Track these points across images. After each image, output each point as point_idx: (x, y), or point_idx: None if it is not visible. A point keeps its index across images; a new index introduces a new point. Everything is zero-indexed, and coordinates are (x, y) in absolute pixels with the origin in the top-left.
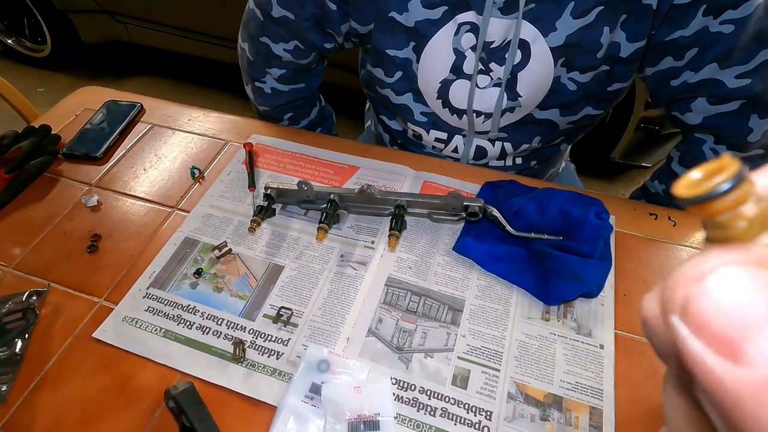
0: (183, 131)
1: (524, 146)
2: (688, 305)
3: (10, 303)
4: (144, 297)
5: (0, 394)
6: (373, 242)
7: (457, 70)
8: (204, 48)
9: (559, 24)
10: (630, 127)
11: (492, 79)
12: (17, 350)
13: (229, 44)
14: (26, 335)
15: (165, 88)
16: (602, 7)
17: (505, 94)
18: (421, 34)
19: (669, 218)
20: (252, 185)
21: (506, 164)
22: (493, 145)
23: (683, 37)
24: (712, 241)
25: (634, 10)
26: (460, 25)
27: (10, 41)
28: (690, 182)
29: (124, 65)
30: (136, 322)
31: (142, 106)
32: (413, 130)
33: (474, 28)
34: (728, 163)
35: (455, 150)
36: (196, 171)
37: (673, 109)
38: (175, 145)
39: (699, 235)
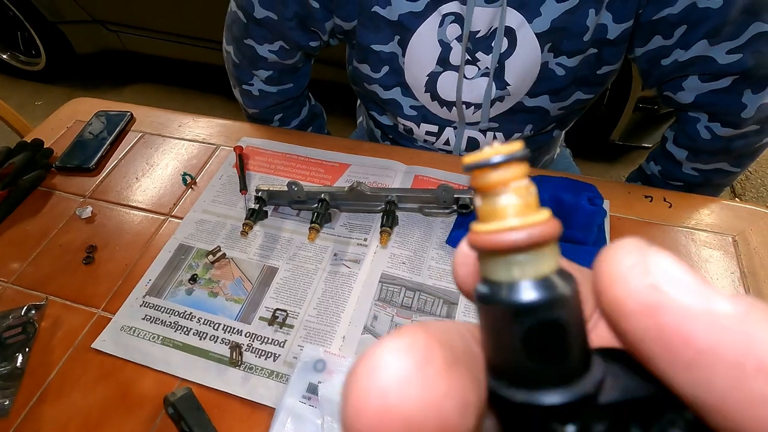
0: (174, 138)
1: (516, 135)
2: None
3: (9, 318)
4: (141, 305)
5: (3, 409)
6: (365, 239)
7: (443, 62)
8: (197, 52)
9: (543, 9)
10: (628, 108)
11: (479, 69)
12: (18, 364)
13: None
14: (27, 349)
15: (161, 94)
16: None
17: (493, 83)
18: (405, 28)
19: (664, 200)
20: (243, 188)
21: None
22: (485, 136)
23: (671, 15)
24: (478, 213)
25: None
26: (444, 16)
27: (5, 56)
28: (478, 153)
29: (120, 74)
30: (134, 331)
31: (132, 114)
32: (404, 125)
33: (458, 19)
34: (514, 145)
35: (447, 143)
36: (187, 177)
37: (665, 89)
38: (166, 153)
39: (696, 217)
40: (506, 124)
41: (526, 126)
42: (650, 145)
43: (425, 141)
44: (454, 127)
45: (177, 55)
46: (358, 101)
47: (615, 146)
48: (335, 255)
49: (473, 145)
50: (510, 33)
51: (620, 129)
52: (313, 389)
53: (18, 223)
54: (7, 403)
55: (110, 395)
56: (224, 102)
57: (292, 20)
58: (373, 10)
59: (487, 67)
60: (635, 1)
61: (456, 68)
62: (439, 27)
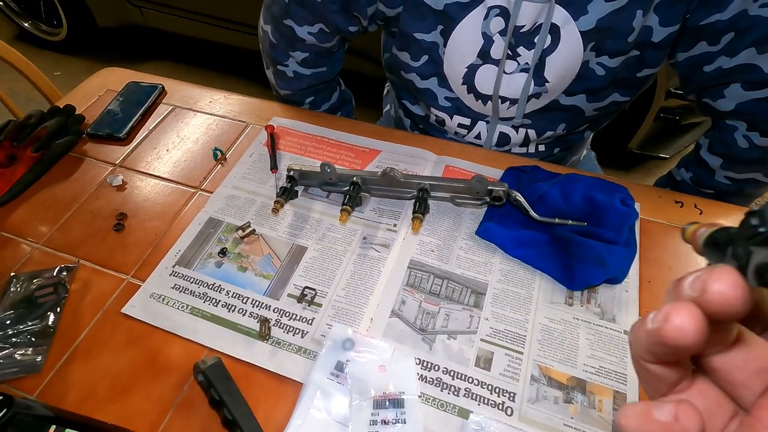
0: (204, 113)
1: (548, 133)
2: None
3: (41, 278)
4: (170, 275)
5: (36, 365)
6: (395, 225)
7: (484, 55)
8: (218, 33)
9: (590, 7)
10: (649, 116)
11: (519, 64)
12: (50, 323)
13: (243, 29)
14: (58, 309)
15: (179, 72)
16: None
17: (532, 79)
18: (450, 18)
19: (695, 206)
20: (274, 167)
21: (529, 151)
22: (517, 132)
23: (720, 21)
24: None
25: None
26: (490, 8)
27: (26, 24)
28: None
29: (138, 50)
30: (163, 299)
31: (163, 87)
32: (436, 116)
33: (503, 12)
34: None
35: (478, 136)
36: (218, 152)
37: (704, 96)
38: (196, 127)
39: (725, 224)
40: (540, 122)
41: (559, 125)
42: (668, 156)
43: (456, 133)
44: (487, 121)
45: (198, 34)
46: (386, 89)
47: (631, 154)
48: (364, 238)
49: (504, 140)
50: (554, 30)
51: (639, 137)
52: (340, 367)
53: (49, 186)
54: (39, 359)
55: (139, 359)
56: (244, 84)
57: (335, 3)
58: None
59: (527, 63)
60: (684, 5)
61: (496, 62)
62: (484, 19)
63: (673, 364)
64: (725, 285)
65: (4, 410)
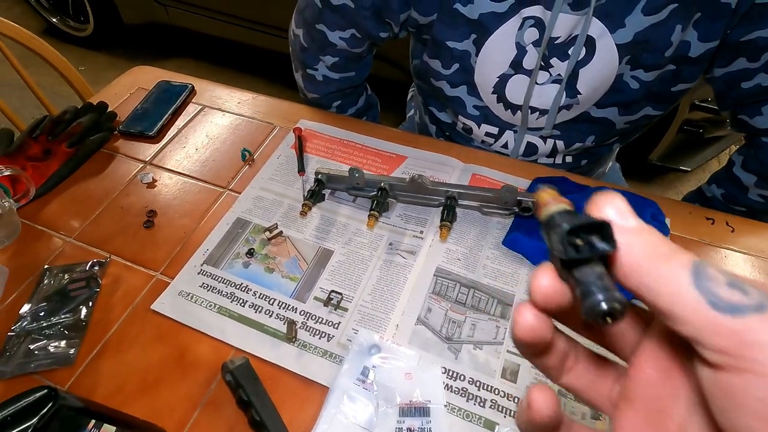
0: (233, 113)
1: (577, 145)
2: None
3: (74, 272)
4: (198, 273)
5: (69, 357)
6: (421, 232)
7: (516, 65)
8: (242, 33)
9: (628, 20)
10: (672, 128)
11: (551, 75)
12: (82, 317)
13: (267, 30)
14: (90, 303)
15: (202, 71)
16: (676, 5)
17: (564, 91)
18: (484, 27)
19: (727, 224)
20: (301, 170)
21: (556, 162)
22: (545, 143)
23: (761, 38)
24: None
25: (710, 9)
26: (525, 19)
27: (54, 20)
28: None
29: (162, 47)
30: (192, 297)
31: (193, 87)
32: (464, 123)
33: (538, 23)
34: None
35: (505, 146)
36: (246, 153)
37: (740, 112)
38: (225, 127)
39: (758, 244)
40: (569, 133)
41: (588, 137)
42: (689, 168)
43: (482, 142)
44: (515, 131)
45: (222, 34)
46: (410, 94)
47: (652, 166)
48: (390, 244)
49: (531, 150)
50: (589, 42)
51: (661, 149)
52: (366, 372)
53: (81, 182)
54: (72, 352)
55: (167, 356)
56: (265, 85)
57: (368, 9)
58: (454, 6)
59: (559, 74)
60: (725, 21)
61: (528, 72)
62: (518, 30)
63: (544, 352)
64: (536, 282)
65: (51, 403)
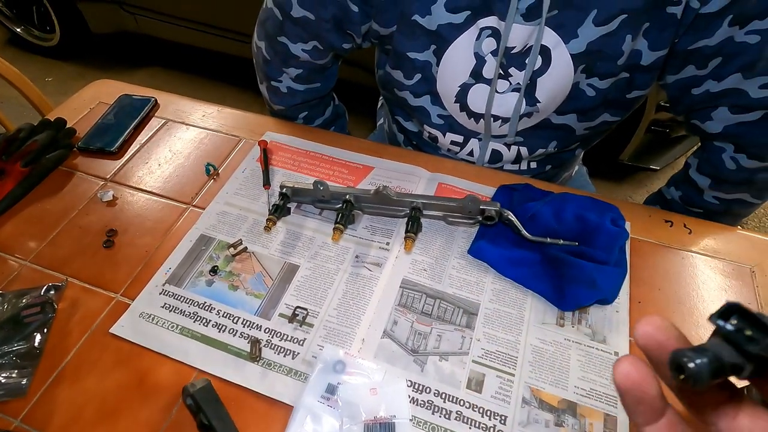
0: (197, 127)
1: (540, 151)
2: None
3: (28, 297)
4: (160, 293)
5: (21, 388)
6: (388, 243)
7: (476, 75)
8: (212, 41)
9: (581, 31)
10: (640, 129)
11: (511, 84)
12: (36, 344)
13: (237, 37)
14: (45, 329)
15: (173, 80)
16: (626, 16)
17: (524, 99)
18: (442, 38)
19: (684, 225)
20: (267, 183)
21: (521, 168)
22: (509, 149)
23: (707, 47)
24: None
25: (658, 19)
26: (482, 29)
27: (18, 29)
28: None
29: (132, 56)
30: (153, 319)
31: (156, 100)
32: (429, 132)
33: (495, 33)
34: None
35: (470, 153)
36: (210, 167)
37: (693, 117)
38: (189, 141)
39: (713, 245)
40: (531, 140)
41: (550, 142)
42: (658, 167)
43: (449, 150)
44: (480, 139)
45: (193, 42)
46: (380, 103)
47: (623, 166)
48: (357, 257)
49: (496, 158)
50: (545, 52)
51: (630, 149)
52: (332, 390)
53: (38, 201)
54: (24, 382)
55: (127, 381)
56: (236, 92)
57: (328, 22)
58: (413, 18)
59: (518, 83)
60: (672, 31)
61: (488, 81)
62: (476, 40)
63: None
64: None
65: None
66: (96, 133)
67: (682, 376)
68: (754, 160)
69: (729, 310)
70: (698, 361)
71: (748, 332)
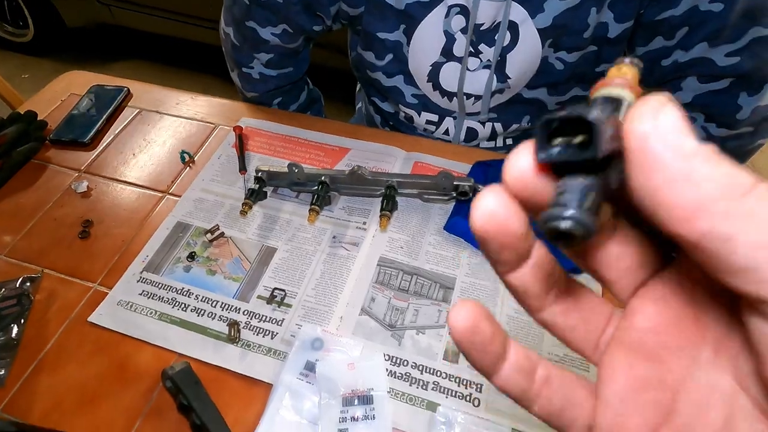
0: (171, 115)
1: (514, 126)
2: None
3: (3, 289)
4: (138, 281)
5: None
6: (365, 223)
7: (447, 53)
8: (190, 30)
9: (546, 5)
10: None
11: (481, 61)
12: (13, 335)
13: (215, 26)
14: (22, 320)
15: (152, 72)
16: None
17: (494, 76)
18: (411, 17)
19: None
20: (243, 169)
21: (497, 145)
22: (484, 126)
23: (673, 17)
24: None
25: None
26: (450, 7)
27: None
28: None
29: (110, 49)
30: (131, 306)
31: (129, 90)
32: (405, 113)
33: (463, 11)
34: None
35: (446, 132)
36: (186, 155)
37: (663, 89)
38: (163, 130)
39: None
40: (505, 115)
41: (523, 117)
42: None
43: (425, 129)
44: (454, 117)
45: (170, 32)
46: (358, 87)
47: None
48: (334, 237)
49: (472, 135)
50: (513, 27)
51: None
52: (310, 367)
53: (10, 195)
54: (2, 372)
55: (107, 369)
56: (218, 82)
57: (297, 4)
58: None
59: (489, 60)
60: (637, 2)
61: (459, 59)
62: (445, 18)
63: (514, 261)
64: (514, 159)
65: None
66: (68, 125)
67: (562, 243)
68: (724, 129)
69: (542, 136)
70: (569, 212)
71: (578, 139)
